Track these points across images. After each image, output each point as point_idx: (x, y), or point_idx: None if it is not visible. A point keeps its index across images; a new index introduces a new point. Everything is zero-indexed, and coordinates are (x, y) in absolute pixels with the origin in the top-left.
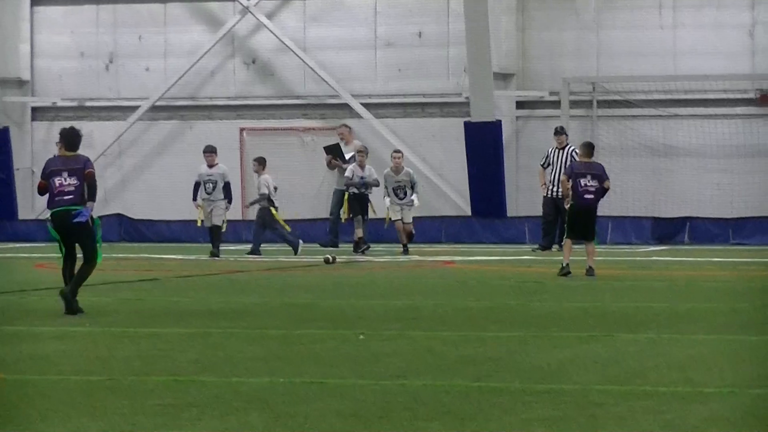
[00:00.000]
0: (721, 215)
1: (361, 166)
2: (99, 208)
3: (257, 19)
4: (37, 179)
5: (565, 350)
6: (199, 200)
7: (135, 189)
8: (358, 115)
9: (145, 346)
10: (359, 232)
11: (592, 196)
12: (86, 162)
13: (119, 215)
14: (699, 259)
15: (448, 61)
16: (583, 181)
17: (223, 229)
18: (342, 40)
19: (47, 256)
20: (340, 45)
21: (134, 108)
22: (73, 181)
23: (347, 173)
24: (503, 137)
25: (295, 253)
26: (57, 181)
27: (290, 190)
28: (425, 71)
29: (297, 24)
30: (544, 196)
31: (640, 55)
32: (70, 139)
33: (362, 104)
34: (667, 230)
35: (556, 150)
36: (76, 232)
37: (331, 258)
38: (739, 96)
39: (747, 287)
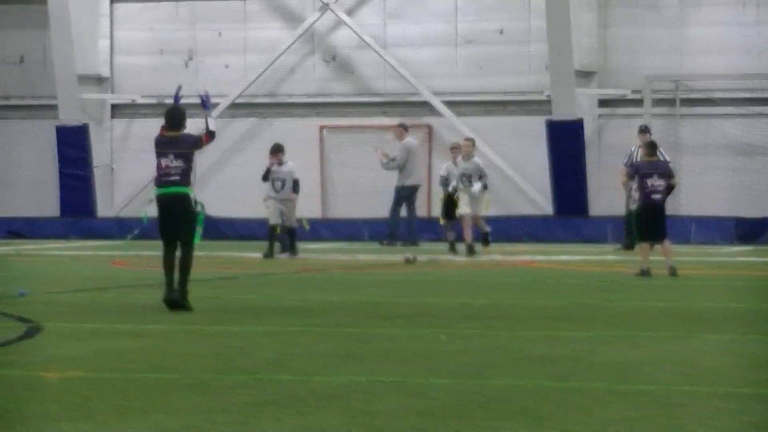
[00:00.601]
0: None
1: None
2: None
3: (337, 15)
4: (116, 176)
5: (645, 350)
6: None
7: (213, 186)
8: (438, 113)
9: (222, 344)
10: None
11: (660, 195)
12: (194, 141)
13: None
14: None
15: (529, 59)
16: (649, 181)
17: (307, 227)
18: (422, 37)
19: (125, 254)
20: (420, 42)
21: (214, 105)
22: (179, 163)
23: (442, 172)
24: (585, 136)
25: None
26: (163, 162)
27: (370, 187)
28: (506, 68)
29: (377, 20)
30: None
31: (723, 52)
32: (170, 117)
33: (442, 102)
34: (751, 230)
35: (640, 149)
36: (176, 213)
37: (411, 257)
38: None
39: None
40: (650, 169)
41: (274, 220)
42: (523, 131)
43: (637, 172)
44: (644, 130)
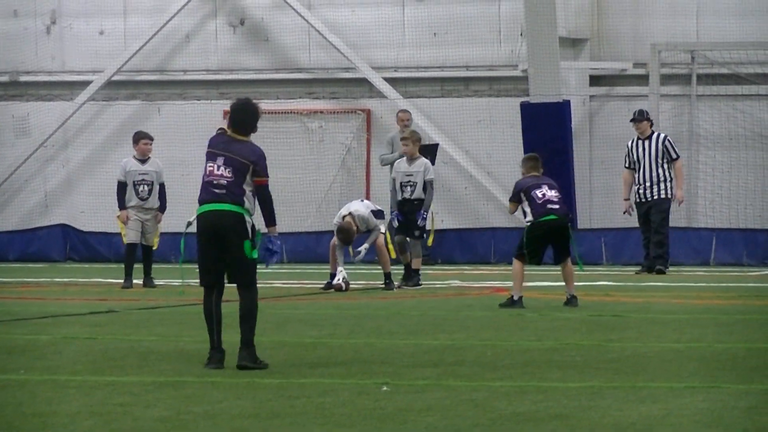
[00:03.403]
0: None
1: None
2: (37, 217)
3: None
4: None
5: (655, 405)
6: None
7: (85, 191)
8: (380, 94)
9: (100, 400)
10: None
11: (557, 206)
12: (258, 158)
13: (64, 226)
14: None
15: (499, 22)
16: (539, 192)
17: (155, 247)
18: None
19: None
20: (356, 0)
21: (84, 84)
22: (228, 173)
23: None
24: (572, 123)
25: None
26: (209, 166)
27: (292, 192)
28: (469, 36)
29: None
30: (637, 202)
31: (754, 13)
32: (238, 115)
33: (385, 79)
34: None
35: (639, 142)
36: (225, 240)
37: (344, 284)
38: None
39: None
40: (536, 181)
41: (132, 237)
42: (492, 118)
43: (522, 190)
44: (639, 117)
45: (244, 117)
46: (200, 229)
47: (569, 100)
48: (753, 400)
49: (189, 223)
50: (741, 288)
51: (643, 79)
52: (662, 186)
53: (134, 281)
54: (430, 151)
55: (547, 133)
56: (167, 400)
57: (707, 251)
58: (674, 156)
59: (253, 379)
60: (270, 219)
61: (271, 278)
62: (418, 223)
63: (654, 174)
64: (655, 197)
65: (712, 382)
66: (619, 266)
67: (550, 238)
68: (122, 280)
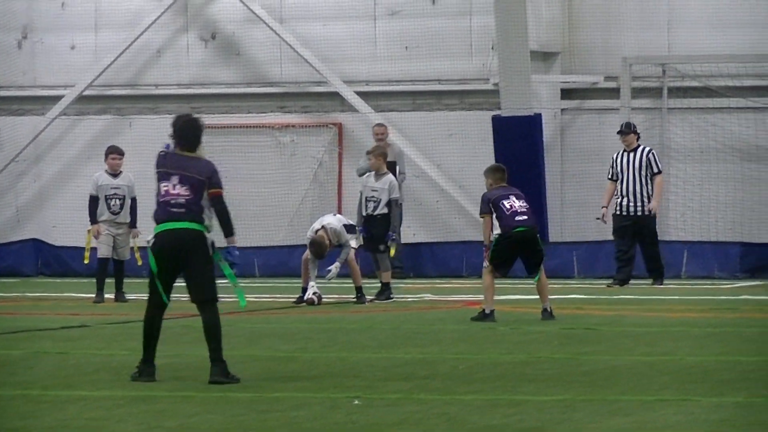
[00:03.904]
0: None
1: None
2: (9, 232)
3: None
4: None
5: (627, 418)
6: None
7: (57, 206)
8: (351, 108)
9: (72, 415)
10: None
11: (526, 217)
12: (212, 173)
13: (36, 241)
14: None
15: (470, 36)
16: (507, 203)
17: (140, 262)
18: (330, 8)
19: None
20: (328, 14)
21: (56, 99)
22: (185, 191)
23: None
24: (544, 136)
25: None
26: (163, 186)
27: (264, 206)
28: (440, 49)
29: None
30: (616, 214)
31: (726, 26)
32: (184, 132)
33: (357, 93)
34: (762, 259)
35: (625, 154)
36: (186, 258)
37: (316, 298)
38: None
39: None
40: (504, 192)
41: (104, 252)
42: (464, 131)
43: (490, 201)
44: (626, 130)
45: (189, 133)
46: (159, 248)
47: (541, 114)
48: (724, 413)
49: (149, 242)
50: (712, 301)
51: (614, 93)
52: (646, 201)
53: (106, 296)
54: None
55: (519, 147)
56: (140, 414)
57: (678, 264)
58: (656, 170)
59: (226, 393)
60: (228, 230)
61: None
62: (387, 243)
63: (636, 187)
64: (640, 213)
65: (684, 395)
66: (591, 279)
67: (519, 250)
68: (94, 295)
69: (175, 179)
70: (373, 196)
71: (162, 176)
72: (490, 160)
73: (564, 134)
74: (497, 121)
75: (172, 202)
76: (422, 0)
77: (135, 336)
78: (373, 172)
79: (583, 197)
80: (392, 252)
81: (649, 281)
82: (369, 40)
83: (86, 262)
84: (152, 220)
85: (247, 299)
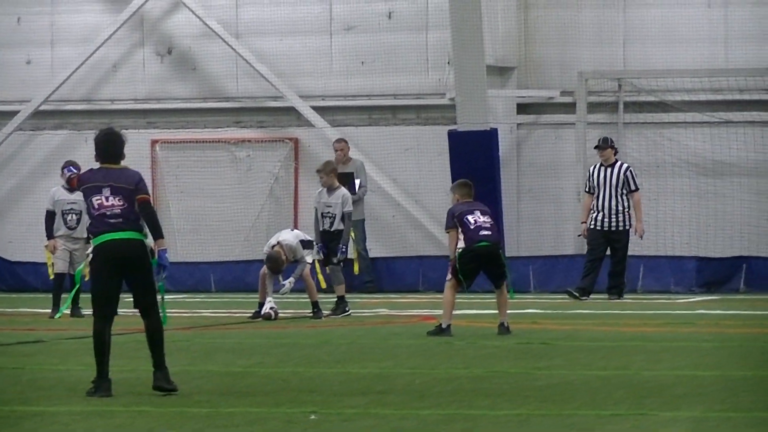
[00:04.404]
0: None
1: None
2: None
3: None
4: None
5: None
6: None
7: (12, 221)
8: (308, 122)
9: (27, 430)
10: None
11: (490, 233)
12: (139, 181)
13: None
14: (759, 311)
15: (426, 51)
16: (471, 218)
17: (87, 278)
18: (285, 23)
19: None
20: (283, 29)
21: (12, 114)
22: (118, 201)
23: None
24: (500, 151)
25: None
26: (96, 200)
27: (219, 222)
28: (397, 64)
29: (226, 1)
30: (591, 228)
31: (681, 41)
32: (107, 146)
33: (313, 108)
34: (717, 274)
35: (602, 168)
36: (129, 266)
37: (273, 313)
38: None
39: None
40: (469, 207)
41: (60, 267)
42: (420, 146)
43: (455, 215)
44: (603, 145)
45: (112, 146)
46: (102, 259)
47: (497, 128)
48: (680, 428)
49: (88, 255)
50: (668, 315)
51: (570, 107)
52: (620, 217)
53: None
54: (344, 181)
55: (475, 161)
56: (96, 429)
57: (634, 279)
58: (633, 187)
59: (182, 408)
60: (158, 233)
61: (199, 307)
62: (338, 256)
63: (612, 202)
64: (614, 228)
65: (640, 410)
66: (547, 294)
67: (482, 265)
68: (50, 310)
69: (106, 191)
70: (328, 212)
71: (92, 191)
72: (446, 175)
73: (520, 149)
74: (453, 136)
75: (108, 213)
76: (378, 15)
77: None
78: (325, 189)
79: (539, 212)
80: (356, 269)
81: (605, 296)
82: (325, 55)
83: (52, 278)
84: (89, 233)
85: (204, 314)
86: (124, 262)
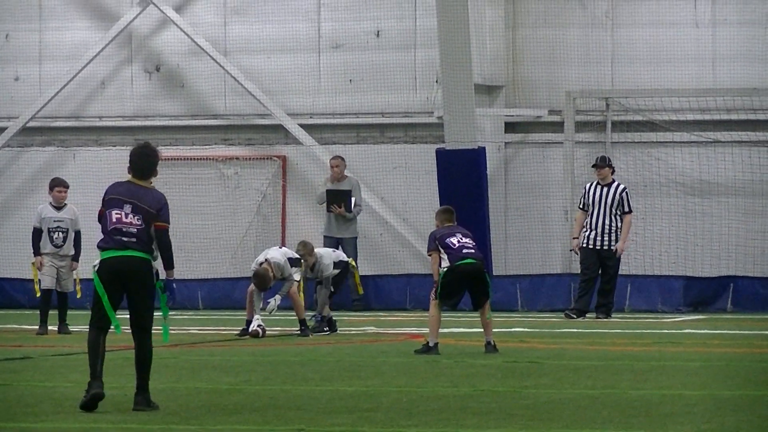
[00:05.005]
0: None
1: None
2: None
3: (162, 12)
4: None
5: None
6: (44, 257)
7: (0, 238)
8: (295, 140)
9: None
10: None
11: (473, 251)
12: (163, 206)
13: None
14: (746, 331)
15: (414, 69)
16: (453, 240)
17: (78, 295)
18: (273, 41)
19: None
20: (272, 47)
21: None
22: (137, 221)
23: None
24: (488, 169)
25: None
26: (115, 213)
27: (207, 239)
28: (385, 82)
29: (214, 19)
30: (583, 247)
31: (669, 61)
32: (139, 161)
33: (301, 125)
34: (704, 293)
35: (598, 187)
36: (132, 285)
37: (261, 331)
38: None
39: None
40: (451, 230)
41: (47, 283)
42: (408, 164)
43: (436, 238)
44: (601, 163)
45: (145, 162)
46: (106, 274)
47: (484, 147)
48: None
49: (94, 266)
50: (655, 334)
51: (558, 126)
52: (613, 236)
53: (49, 327)
54: (342, 198)
55: (463, 180)
56: None
57: (622, 298)
58: (626, 209)
59: (169, 425)
60: (169, 263)
61: (186, 324)
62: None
63: (606, 221)
64: (606, 247)
65: (627, 429)
66: (534, 312)
67: (466, 283)
68: (37, 327)
69: (128, 208)
70: (318, 278)
71: (114, 203)
72: (434, 193)
73: (508, 167)
74: (441, 155)
75: (124, 230)
76: (366, 33)
77: (78, 368)
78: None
79: (526, 230)
80: (360, 290)
81: (593, 315)
82: (313, 73)
83: (38, 295)
84: (97, 248)
85: (191, 332)
86: (128, 279)
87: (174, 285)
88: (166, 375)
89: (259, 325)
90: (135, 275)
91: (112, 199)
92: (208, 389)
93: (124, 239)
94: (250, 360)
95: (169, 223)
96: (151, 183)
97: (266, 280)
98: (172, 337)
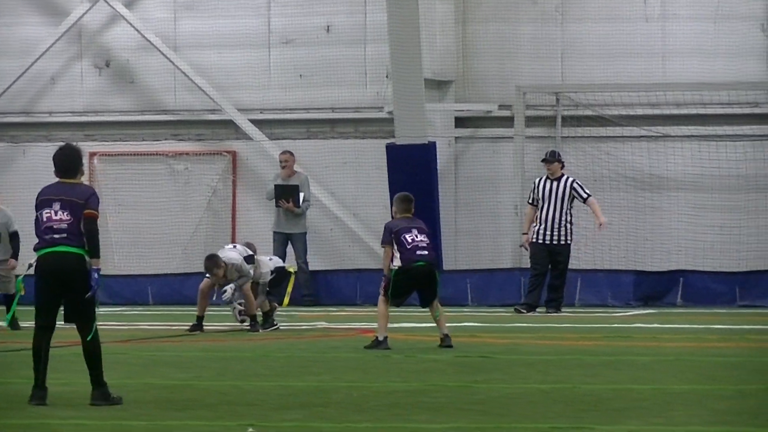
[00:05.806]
0: (725, 268)
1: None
2: None
3: (112, 7)
4: None
5: None
6: None
7: None
8: (246, 136)
9: None
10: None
11: (426, 252)
12: (90, 196)
13: None
14: (696, 325)
15: (365, 65)
16: (409, 237)
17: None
18: (223, 36)
19: None
20: (222, 42)
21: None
22: (66, 216)
23: None
24: (438, 164)
25: None
26: (45, 213)
27: (157, 235)
28: (335, 78)
29: (164, 14)
30: (533, 242)
31: (619, 56)
32: (61, 162)
33: (251, 121)
34: (655, 288)
35: (548, 181)
36: (67, 281)
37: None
38: (748, 111)
39: (759, 363)
40: (407, 224)
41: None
42: (358, 159)
43: (392, 232)
44: (551, 158)
45: (67, 161)
46: (42, 271)
47: (435, 142)
48: None
49: (30, 265)
50: (606, 329)
51: (508, 121)
52: (563, 231)
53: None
54: (290, 193)
55: (413, 175)
56: None
57: (572, 292)
58: (585, 196)
59: (120, 421)
60: (94, 251)
61: (137, 320)
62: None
63: (555, 215)
64: (556, 243)
65: (578, 423)
66: (484, 307)
67: (416, 284)
68: None
69: (56, 205)
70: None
71: (44, 204)
72: (384, 188)
73: (458, 162)
74: (391, 150)
75: (55, 227)
76: (316, 28)
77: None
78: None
79: (476, 225)
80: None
81: (543, 310)
82: (263, 69)
83: None
84: (33, 251)
85: (141, 327)
86: (63, 277)
87: (96, 275)
88: (117, 371)
89: (239, 312)
90: (69, 271)
91: (43, 200)
92: (160, 385)
93: (56, 236)
94: (202, 356)
95: (97, 212)
96: (80, 180)
97: (216, 263)
98: (123, 333)
